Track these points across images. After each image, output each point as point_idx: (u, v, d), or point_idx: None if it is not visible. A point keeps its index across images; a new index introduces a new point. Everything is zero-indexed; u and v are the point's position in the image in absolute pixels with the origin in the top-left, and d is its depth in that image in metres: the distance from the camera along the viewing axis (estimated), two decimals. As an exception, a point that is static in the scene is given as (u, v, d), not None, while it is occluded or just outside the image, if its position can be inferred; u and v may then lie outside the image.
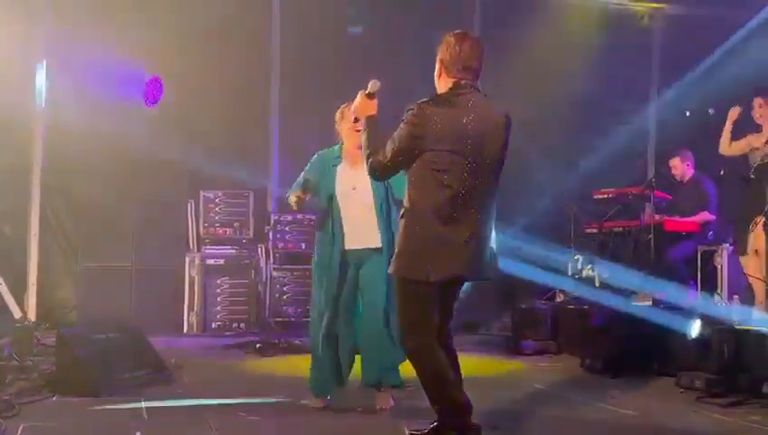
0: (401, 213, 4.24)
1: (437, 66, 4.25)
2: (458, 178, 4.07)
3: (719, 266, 7.72)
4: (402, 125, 4.12)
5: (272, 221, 9.37)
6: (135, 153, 8.88)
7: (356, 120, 4.67)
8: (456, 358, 4.41)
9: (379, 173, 4.27)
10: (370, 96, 4.34)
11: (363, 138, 4.28)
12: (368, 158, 4.22)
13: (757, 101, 7.55)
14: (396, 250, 4.22)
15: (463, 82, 4.17)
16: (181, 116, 9.18)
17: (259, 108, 9.95)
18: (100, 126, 8.56)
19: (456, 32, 4.23)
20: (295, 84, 9.76)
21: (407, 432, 4.45)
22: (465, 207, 4.10)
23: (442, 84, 4.25)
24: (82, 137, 8.65)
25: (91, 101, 8.61)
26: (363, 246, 5.24)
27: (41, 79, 9.03)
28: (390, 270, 4.24)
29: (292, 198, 5.33)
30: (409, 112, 4.11)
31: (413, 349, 4.22)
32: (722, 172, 8.29)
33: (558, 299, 8.93)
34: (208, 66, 9.24)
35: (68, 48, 8.76)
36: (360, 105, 4.31)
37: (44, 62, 9.03)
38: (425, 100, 4.15)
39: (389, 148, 4.14)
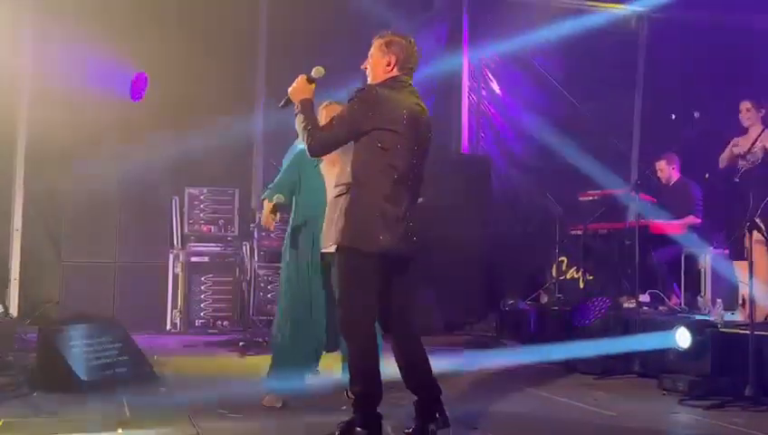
0: (339, 191, 4.42)
1: (388, 59, 4.49)
2: (401, 158, 4.36)
3: (703, 270, 7.74)
4: (353, 104, 4.38)
5: (257, 219, 9.35)
6: (120, 149, 8.86)
7: (288, 101, 4.62)
8: (412, 341, 4.52)
9: (323, 149, 4.49)
10: (311, 81, 4.53)
11: (299, 119, 4.45)
12: (309, 135, 4.39)
13: (744, 105, 7.54)
14: (340, 224, 4.34)
15: (404, 76, 4.51)
16: (166, 112, 9.15)
17: (244, 104, 9.94)
18: (84, 121, 8.52)
19: (405, 35, 4.58)
20: (281, 81, 9.72)
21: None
22: (404, 186, 4.40)
23: (384, 75, 4.50)
24: (66, 133, 8.60)
25: (75, 97, 8.57)
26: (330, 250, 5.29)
27: (25, 74, 8.97)
28: (334, 241, 4.37)
29: (268, 210, 5.42)
30: (361, 92, 4.39)
31: (352, 326, 4.36)
32: (707, 176, 8.31)
33: (542, 300, 8.95)
34: (194, 62, 9.21)
35: (52, 43, 8.71)
36: (299, 88, 4.53)
37: (29, 56, 8.98)
38: (374, 83, 4.48)
39: (338, 124, 4.39)
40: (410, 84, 4.54)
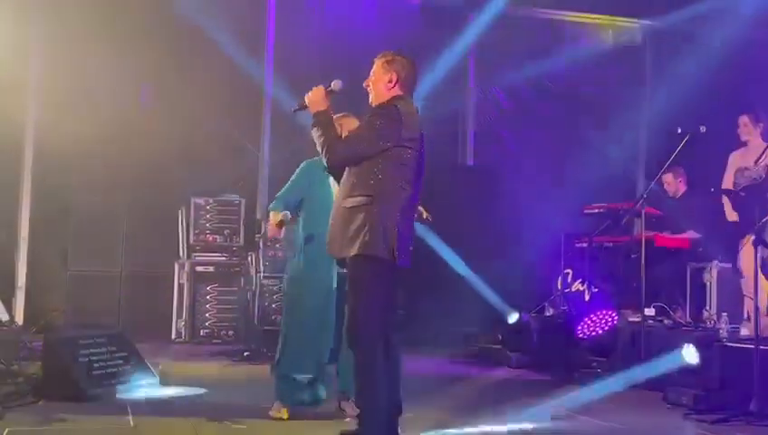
0: (358, 202, 4.37)
1: (389, 76, 4.54)
2: (414, 174, 4.50)
3: (708, 283, 7.72)
4: (376, 119, 4.42)
5: (262, 229, 9.36)
6: (126, 159, 8.88)
7: (302, 106, 4.61)
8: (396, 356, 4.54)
9: (343, 163, 4.48)
10: (329, 93, 4.52)
11: (318, 131, 4.45)
12: (329, 149, 4.41)
13: (742, 120, 7.52)
14: (365, 235, 4.32)
15: (407, 96, 4.57)
16: (173, 123, 9.18)
17: (251, 116, 9.96)
18: (91, 131, 8.55)
19: (407, 55, 4.62)
20: (288, 91, 9.77)
21: None
22: (414, 201, 4.55)
23: (389, 94, 4.54)
24: (74, 142, 8.64)
25: (82, 106, 8.60)
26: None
27: (32, 83, 9.01)
28: (356, 249, 4.33)
29: (275, 221, 5.34)
30: (385, 109, 4.44)
31: (366, 336, 4.35)
32: (713, 190, 8.28)
33: (547, 312, 8.93)
34: (201, 72, 9.25)
35: (60, 52, 8.75)
36: (316, 98, 4.52)
37: (36, 65, 9.02)
38: (393, 100, 4.48)
39: (361, 139, 4.43)
40: (412, 103, 4.61)
